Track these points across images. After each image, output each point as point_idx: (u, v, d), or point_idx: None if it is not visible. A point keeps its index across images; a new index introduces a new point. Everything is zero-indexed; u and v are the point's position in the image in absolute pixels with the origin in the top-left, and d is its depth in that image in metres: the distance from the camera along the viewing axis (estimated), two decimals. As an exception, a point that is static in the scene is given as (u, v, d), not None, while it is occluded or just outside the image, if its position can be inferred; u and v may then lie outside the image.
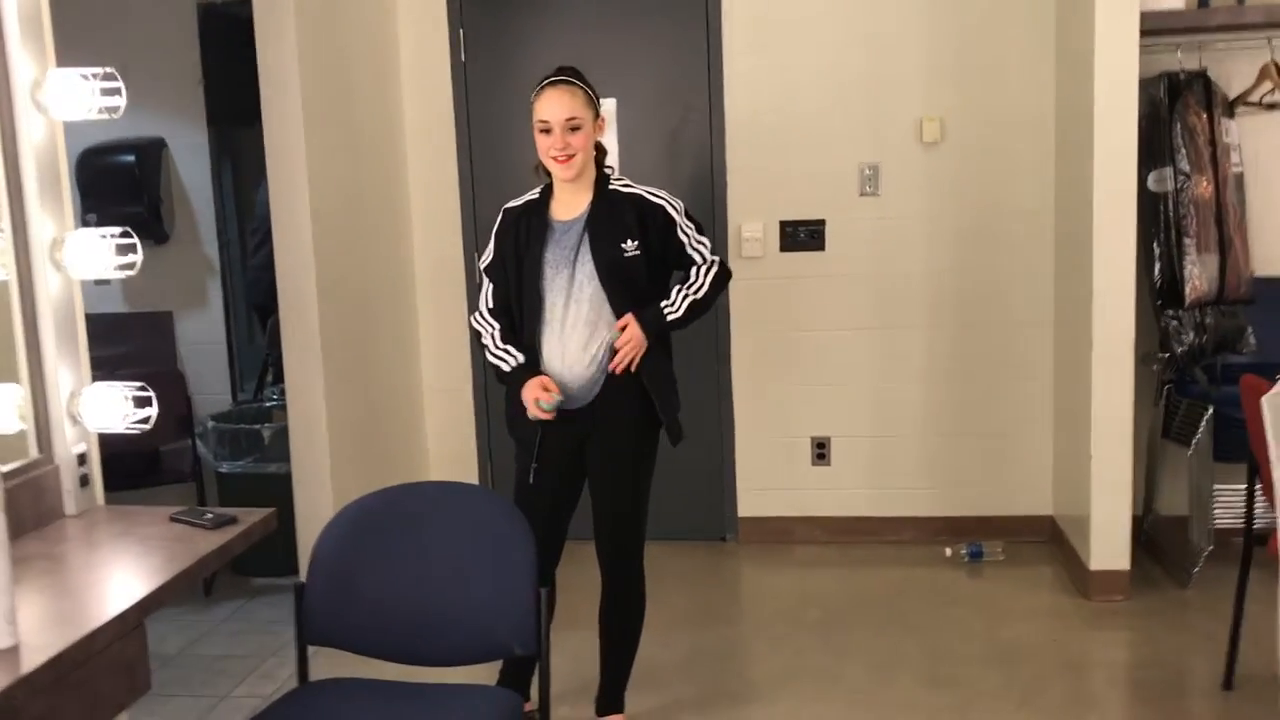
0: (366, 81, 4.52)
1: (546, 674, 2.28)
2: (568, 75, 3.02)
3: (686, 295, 3.05)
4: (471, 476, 5.00)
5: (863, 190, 4.64)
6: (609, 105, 4.65)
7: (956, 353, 4.69)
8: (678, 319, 3.05)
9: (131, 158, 4.99)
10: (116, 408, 2.50)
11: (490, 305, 3.13)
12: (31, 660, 1.71)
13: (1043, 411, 4.66)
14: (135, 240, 2.48)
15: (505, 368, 3.06)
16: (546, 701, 2.30)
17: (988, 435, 4.72)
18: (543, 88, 3.01)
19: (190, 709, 3.51)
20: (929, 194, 4.61)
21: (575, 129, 2.94)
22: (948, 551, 4.61)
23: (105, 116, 2.43)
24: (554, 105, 2.95)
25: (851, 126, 4.62)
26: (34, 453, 2.43)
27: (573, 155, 2.95)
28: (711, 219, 4.70)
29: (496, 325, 3.10)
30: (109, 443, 2.70)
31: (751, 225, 4.69)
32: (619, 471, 3.12)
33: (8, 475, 2.29)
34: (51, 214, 2.45)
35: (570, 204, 3.04)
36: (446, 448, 5.00)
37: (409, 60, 4.83)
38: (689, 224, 3.09)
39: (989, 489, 4.75)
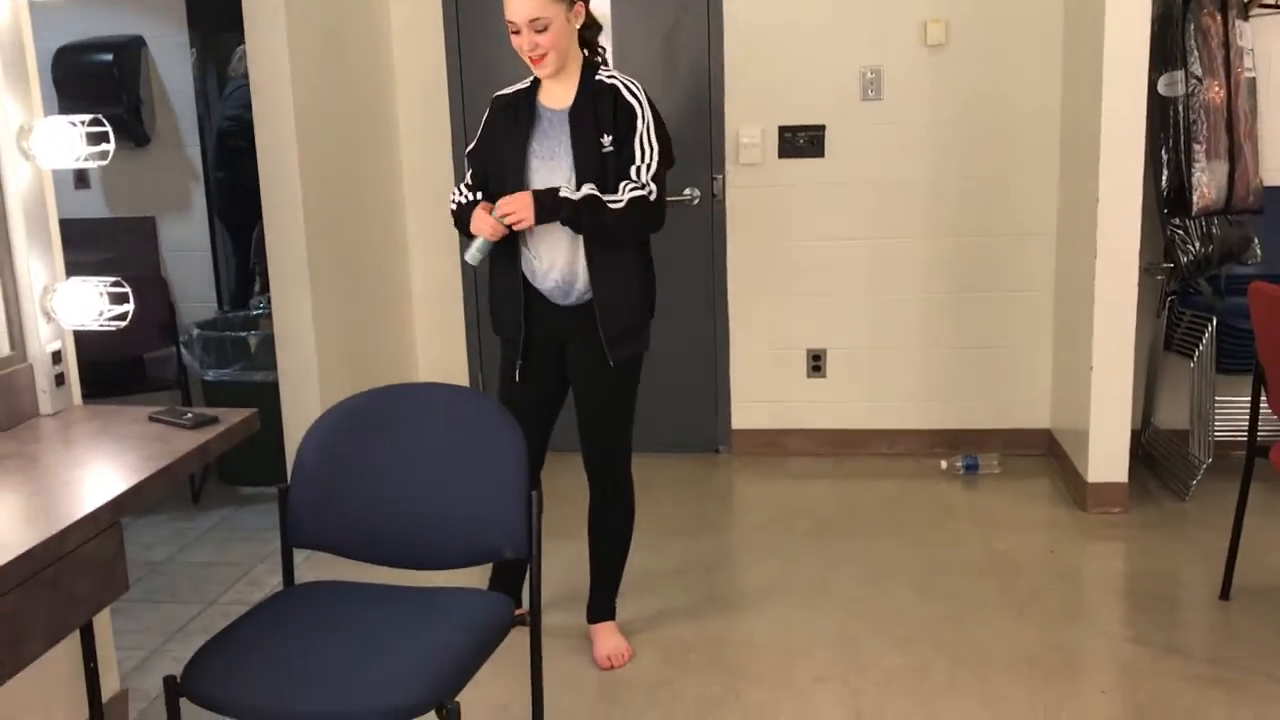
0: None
1: (538, 577, 2.23)
2: None
3: (595, 198, 2.82)
4: (462, 383, 4.94)
5: (864, 95, 4.51)
6: (600, 5, 4.51)
7: (957, 263, 4.60)
8: (571, 210, 2.81)
9: (109, 56, 4.83)
10: (92, 304, 2.41)
11: (468, 183, 3.03)
12: (1, 556, 1.65)
13: (1043, 323, 4.60)
14: (108, 129, 2.37)
15: (463, 202, 2.97)
16: (537, 605, 2.25)
17: (986, 347, 4.65)
18: None
19: (178, 615, 3.48)
20: (933, 99, 4.49)
21: (542, 29, 2.80)
22: (943, 464, 4.57)
23: (72, -4, 2.30)
24: (518, 6, 2.81)
25: (853, 29, 4.47)
26: (5, 349, 2.35)
27: (544, 54, 2.83)
28: (709, 124, 4.58)
29: (469, 194, 2.99)
30: (91, 350, 2.63)
31: (749, 130, 4.57)
32: (598, 379, 3.04)
33: (-22, 372, 2.21)
34: (19, 100, 2.34)
35: (558, 94, 2.93)
36: (436, 354, 4.93)
37: (396, -43, 4.65)
38: (650, 141, 2.88)
39: (986, 402, 4.70)
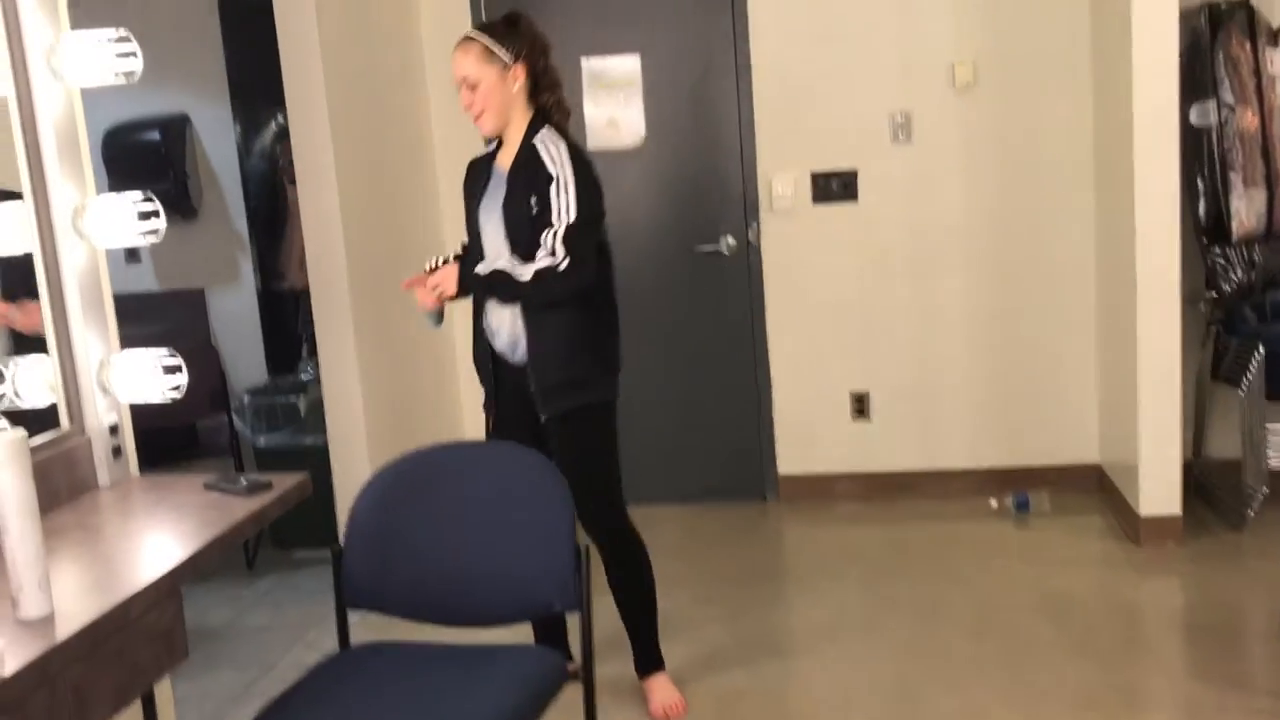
0: (389, 52, 4.46)
1: (589, 631, 2.24)
2: (472, 31, 2.99)
3: (502, 273, 2.89)
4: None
5: (895, 138, 4.54)
6: (630, 63, 4.60)
7: (996, 301, 4.59)
8: (484, 285, 2.93)
9: (157, 134, 4.98)
10: (146, 376, 2.47)
11: (464, 242, 3.18)
12: (66, 628, 1.69)
13: (1087, 357, 4.57)
14: (157, 205, 2.44)
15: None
16: (590, 659, 2.26)
17: (1031, 384, 4.63)
18: None
19: (237, 681, 3.51)
20: (963, 140, 4.51)
21: (474, 87, 2.92)
22: (993, 503, 4.54)
23: (122, 80, 2.39)
24: (454, 65, 2.95)
25: (881, 73, 4.52)
26: (65, 424, 2.41)
27: (479, 113, 2.95)
28: (741, 172, 4.63)
29: (443, 259, 3.12)
30: (146, 419, 2.69)
31: (782, 178, 4.61)
32: (548, 433, 3.05)
33: (39, 448, 2.27)
34: (72, 181, 2.42)
35: (507, 155, 3.03)
36: (481, 414, 4.96)
37: (430, 25, 4.76)
38: (564, 203, 2.89)
39: (1034, 438, 4.66)
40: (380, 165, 4.31)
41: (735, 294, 4.72)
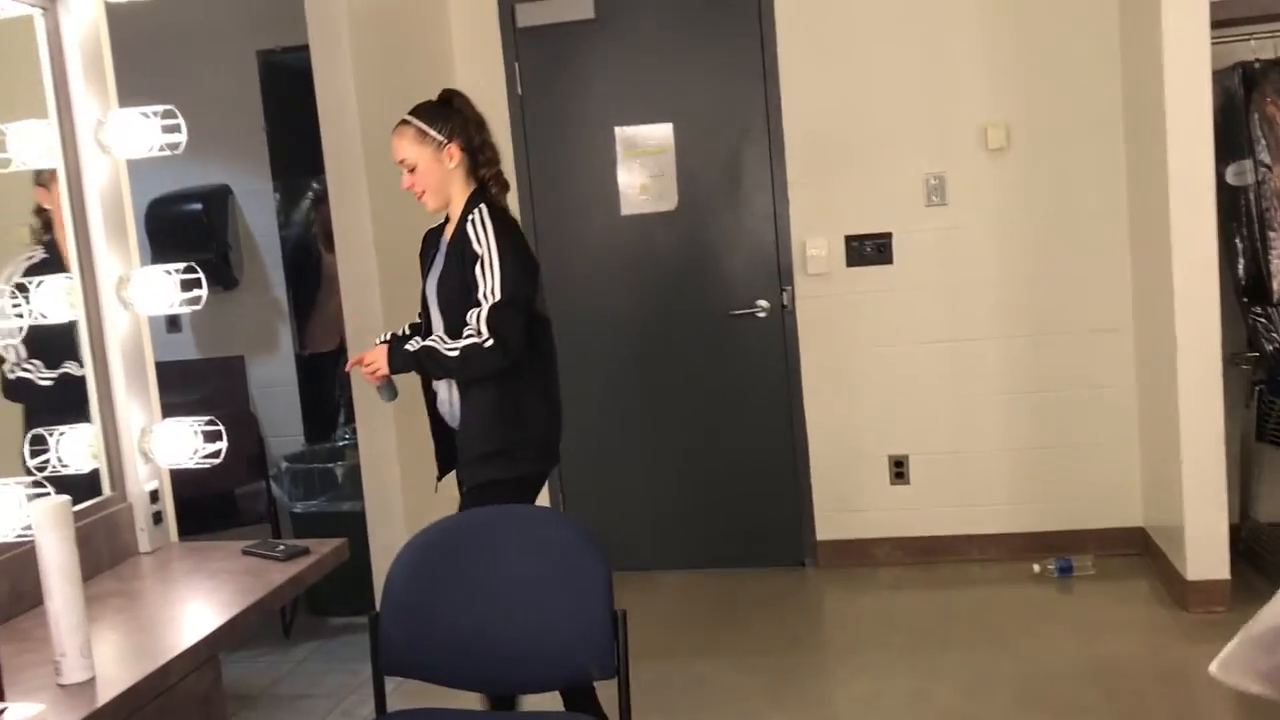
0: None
1: (627, 697, 2.22)
2: (407, 114, 3.05)
3: (435, 344, 2.92)
4: (543, 503, 4.96)
5: (929, 201, 4.55)
6: (663, 131, 4.66)
7: (1034, 362, 4.56)
8: (409, 355, 2.94)
9: (199, 206, 5.07)
10: (187, 443, 2.50)
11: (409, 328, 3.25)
12: (107, 693, 1.70)
13: (1127, 419, 4.52)
14: (200, 276, 2.49)
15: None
16: (628, 727, 2.23)
17: (1071, 446, 4.58)
18: None
19: (272, 749, 3.50)
20: (997, 201, 4.52)
21: (411, 169, 3.01)
22: (1036, 568, 4.46)
23: (167, 153, 2.45)
24: (392, 148, 3.05)
25: (914, 137, 4.54)
26: (107, 490, 2.44)
27: (420, 192, 3.04)
28: (775, 237, 4.65)
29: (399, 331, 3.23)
30: (185, 486, 2.71)
31: (816, 242, 4.62)
32: (469, 501, 3.04)
33: (81, 513, 2.29)
34: (117, 252, 2.47)
35: (450, 228, 3.08)
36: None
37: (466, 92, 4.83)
38: (488, 279, 2.91)
39: (1075, 502, 4.60)
40: (417, 230, 4.36)
41: (770, 358, 4.72)
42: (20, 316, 2.04)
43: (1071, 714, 3.30)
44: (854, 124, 4.57)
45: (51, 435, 2.24)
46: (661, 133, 4.69)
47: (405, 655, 2.35)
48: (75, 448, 2.30)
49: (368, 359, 2.99)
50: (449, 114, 3.04)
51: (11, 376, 2.32)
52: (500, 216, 3.00)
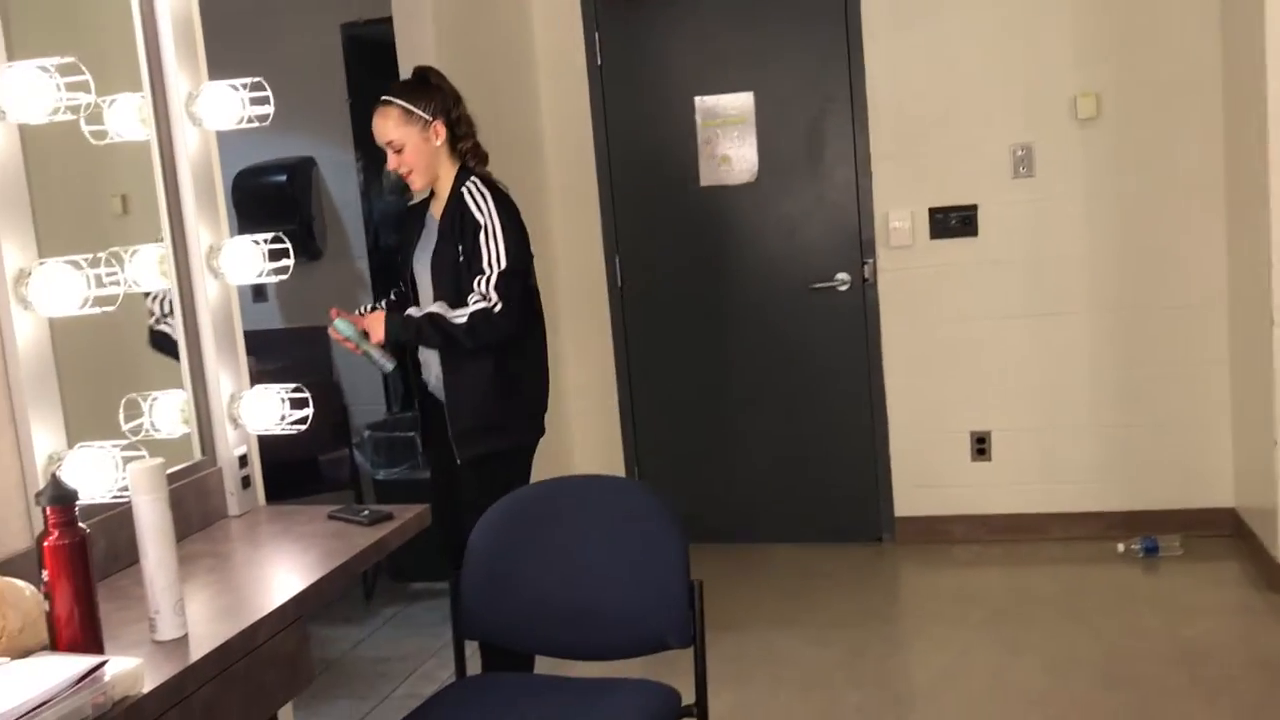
0: (506, 93, 4.56)
1: (703, 666, 2.23)
2: (388, 94, 3.06)
3: (436, 315, 2.94)
4: (618, 473, 4.98)
5: (1016, 172, 4.46)
6: (743, 101, 4.62)
7: (1123, 337, 4.46)
8: (410, 322, 2.96)
9: (284, 177, 5.15)
10: (274, 410, 2.55)
11: (398, 289, 3.27)
12: (199, 650, 1.75)
13: (1220, 396, 4.40)
14: (288, 246, 2.53)
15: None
16: (704, 696, 2.24)
17: (1160, 424, 4.47)
18: None
19: (354, 710, 3.57)
20: (1087, 173, 4.41)
21: (399, 150, 3.02)
22: (1120, 547, 4.38)
23: (254, 125, 2.49)
24: (376, 130, 3.06)
25: (1001, 107, 4.45)
26: (197, 455, 2.50)
27: (409, 173, 3.04)
28: (857, 209, 4.60)
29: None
30: (271, 453, 2.76)
31: (899, 214, 4.56)
32: (473, 481, 3.07)
33: (173, 477, 2.35)
34: (208, 223, 2.52)
35: (438, 203, 3.09)
36: (592, 448, 4.99)
37: (546, 68, 4.86)
38: (493, 248, 2.96)
39: (1163, 481, 4.49)
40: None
41: (851, 332, 4.68)
42: (116, 285, 2.10)
43: (1156, 696, 3.24)
44: (940, 93, 4.49)
45: (145, 400, 2.30)
46: (742, 102, 4.65)
47: (485, 620, 2.38)
48: (167, 413, 2.36)
49: (361, 323, 2.99)
50: (429, 91, 3.07)
51: (157, 328, 2.49)
52: (492, 186, 3.06)
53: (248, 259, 2.53)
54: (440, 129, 3.05)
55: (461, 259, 2.99)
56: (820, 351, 4.72)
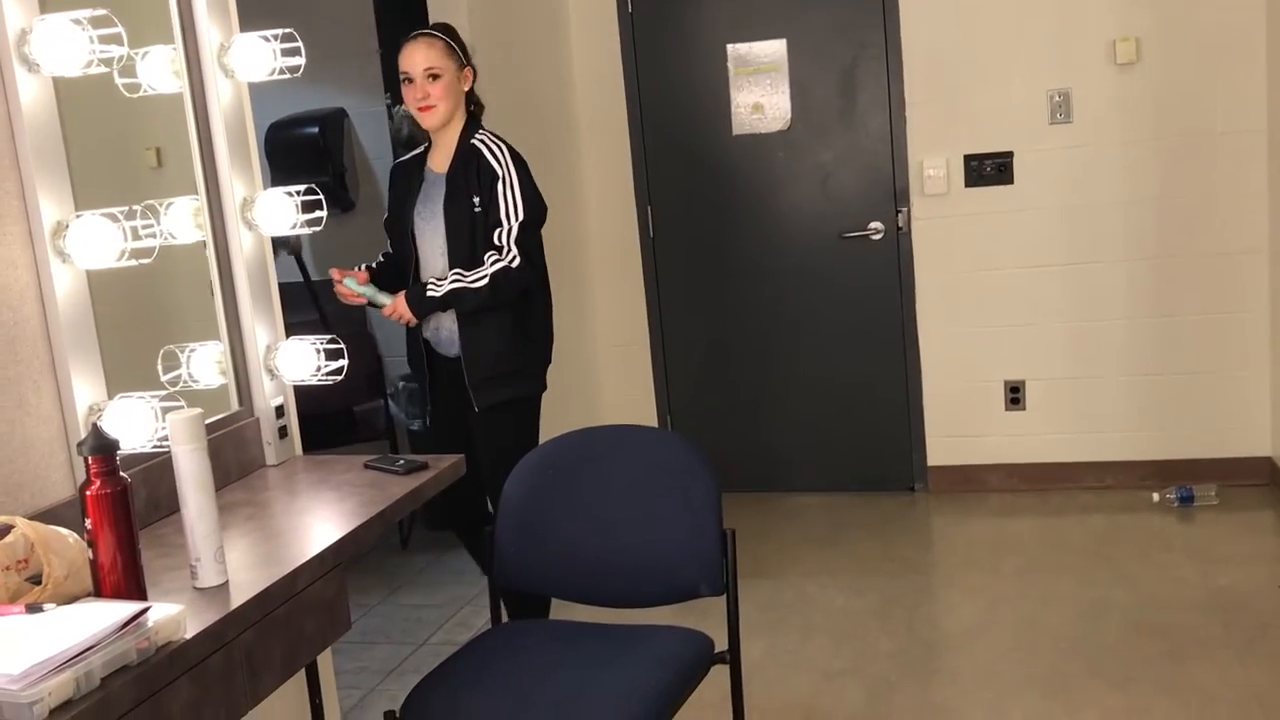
0: (537, 40, 4.53)
1: (735, 614, 2.25)
2: (431, 29, 3.08)
3: (459, 282, 2.98)
4: (649, 423, 5.00)
5: (1053, 118, 4.39)
6: (776, 48, 4.57)
7: (1161, 286, 4.40)
8: (436, 300, 3.00)
9: (315, 129, 5.14)
10: (309, 360, 2.57)
11: (386, 250, 3.28)
12: (239, 597, 1.78)
13: (1259, 345, 4.34)
14: (321, 198, 2.54)
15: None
16: (736, 644, 2.26)
17: (1197, 372, 4.42)
18: (405, 42, 3.08)
19: (392, 656, 3.63)
20: (1125, 118, 4.34)
21: (434, 78, 3.01)
22: (1155, 497, 4.35)
23: (286, 76, 2.49)
24: (413, 56, 3.03)
25: (1038, 52, 4.37)
26: (235, 405, 2.53)
27: (433, 105, 3.02)
28: (891, 156, 4.55)
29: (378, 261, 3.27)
30: (306, 404, 2.79)
31: (933, 161, 4.51)
32: (476, 423, 3.13)
33: (211, 427, 2.38)
34: (241, 175, 2.53)
35: (441, 157, 3.09)
36: (624, 398, 5.00)
37: (577, 16, 4.81)
38: (512, 201, 2.99)
39: (1199, 430, 4.46)
40: (527, 151, 4.37)
41: (884, 281, 4.65)
42: (152, 237, 2.11)
43: (1189, 645, 3.24)
44: (975, 39, 4.42)
45: (183, 351, 2.33)
46: (775, 49, 4.60)
47: (520, 568, 2.41)
48: (205, 364, 2.38)
49: (388, 314, 3.05)
50: (461, 40, 3.11)
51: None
52: (506, 142, 3.08)
53: (282, 211, 2.54)
54: (471, 74, 3.10)
55: (479, 209, 3.01)
56: (853, 301, 4.70)
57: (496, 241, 2.98)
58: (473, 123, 3.11)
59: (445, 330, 3.15)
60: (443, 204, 3.07)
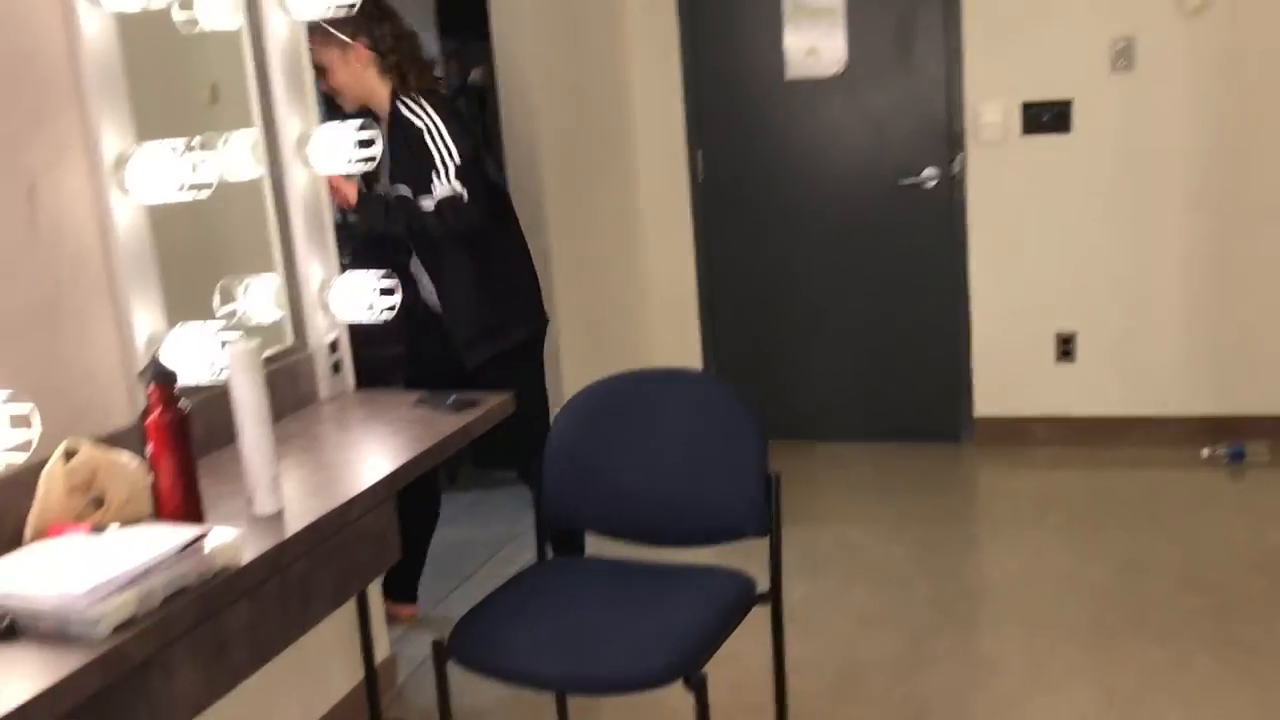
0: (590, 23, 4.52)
1: (778, 556, 2.27)
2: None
3: (405, 199, 3.03)
4: (696, 366, 5.01)
5: (1114, 66, 4.30)
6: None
7: (1219, 240, 4.32)
8: (380, 200, 3.06)
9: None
10: (364, 297, 2.61)
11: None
12: (294, 525, 1.83)
13: (1318, 302, 4.27)
14: (375, 134, 2.56)
15: None
16: (778, 585, 2.28)
17: (1252, 327, 4.36)
18: None
19: (438, 588, 3.70)
20: (1191, 67, 4.24)
21: (322, 74, 3.03)
22: (1205, 453, 4.31)
23: (342, 14, 2.50)
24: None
25: (1102, -3, 4.28)
26: (290, 340, 2.57)
27: (338, 93, 3.09)
28: (946, 103, 4.48)
29: None
30: (358, 343, 2.84)
31: (990, 107, 4.44)
32: (489, 384, 3.07)
33: (266, 361, 2.42)
34: (297, 111, 2.55)
35: (384, 125, 3.12)
36: (671, 342, 5.01)
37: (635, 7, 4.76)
38: (441, 143, 3.00)
39: (1253, 385, 4.40)
40: (579, 91, 4.37)
41: (937, 229, 4.60)
42: (211, 171, 2.14)
43: (1233, 601, 3.23)
44: (1037, -18, 4.33)
45: (240, 285, 2.37)
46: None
47: (565, 506, 2.45)
48: (261, 298, 2.42)
49: (333, 181, 2.99)
50: (350, 13, 3.03)
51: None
52: (427, 94, 3.08)
53: (337, 147, 2.56)
54: (363, 50, 3.06)
55: (417, 168, 3.04)
56: (904, 249, 4.66)
57: (438, 181, 3.02)
58: (403, 86, 3.10)
59: (428, 290, 3.21)
60: (389, 174, 3.13)
